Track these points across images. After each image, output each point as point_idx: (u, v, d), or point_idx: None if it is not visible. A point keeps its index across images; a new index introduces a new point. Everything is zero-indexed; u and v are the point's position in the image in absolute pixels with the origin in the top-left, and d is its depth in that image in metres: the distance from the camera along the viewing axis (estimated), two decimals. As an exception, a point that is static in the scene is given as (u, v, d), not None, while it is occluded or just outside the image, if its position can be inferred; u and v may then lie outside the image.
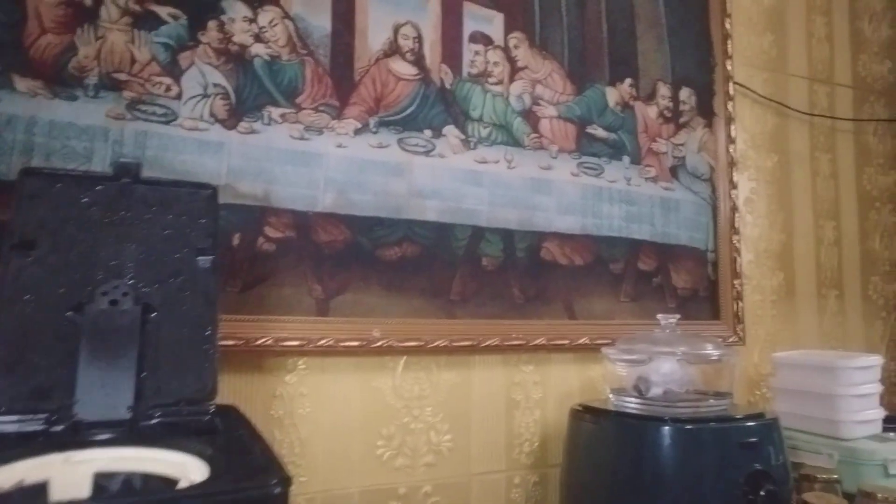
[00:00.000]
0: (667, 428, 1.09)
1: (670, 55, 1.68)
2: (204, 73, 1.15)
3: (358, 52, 1.29)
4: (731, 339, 1.66)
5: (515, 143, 1.43)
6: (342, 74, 1.27)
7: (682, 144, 1.67)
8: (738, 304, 1.69)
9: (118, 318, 0.75)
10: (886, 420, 1.44)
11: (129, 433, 0.70)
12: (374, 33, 1.30)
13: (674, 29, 1.69)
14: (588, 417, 1.23)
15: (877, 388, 1.43)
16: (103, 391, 0.72)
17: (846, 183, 2.02)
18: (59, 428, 0.70)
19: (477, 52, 1.41)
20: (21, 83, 1.03)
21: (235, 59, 1.18)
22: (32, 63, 1.04)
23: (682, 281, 1.63)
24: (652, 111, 1.63)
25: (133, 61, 1.11)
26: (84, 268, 0.77)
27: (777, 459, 1.11)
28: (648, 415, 1.16)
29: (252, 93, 1.19)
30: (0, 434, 0.70)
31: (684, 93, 1.69)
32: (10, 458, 0.64)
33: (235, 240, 1.14)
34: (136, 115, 1.10)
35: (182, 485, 0.64)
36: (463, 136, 1.37)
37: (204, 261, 0.85)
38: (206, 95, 1.15)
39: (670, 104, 1.66)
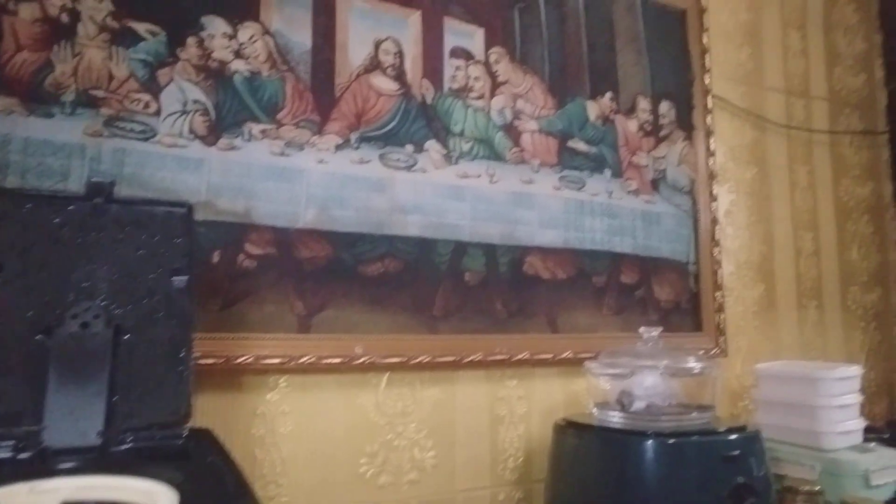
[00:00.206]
0: (650, 442, 1.09)
1: (650, 69, 1.70)
2: (183, 90, 1.15)
3: (339, 68, 1.29)
4: (713, 351, 1.67)
5: (497, 157, 1.44)
6: (323, 90, 1.26)
7: (662, 157, 1.69)
8: (719, 315, 1.70)
9: (88, 340, 0.74)
10: (867, 430, 1.45)
11: (99, 460, 0.69)
12: (354, 49, 1.30)
13: (652, 43, 1.71)
14: (572, 432, 1.23)
15: (857, 398, 1.44)
16: (72, 416, 0.71)
17: (824, 194, 2.06)
18: (26, 455, 0.68)
19: (458, 67, 1.42)
20: (-5, 101, 1.01)
21: (215, 75, 1.17)
22: (8, 80, 1.02)
23: (665, 293, 1.64)
24: (632, 125, 1.65)
25: (111, 78, 1.10)
26: (54, 290, 0.75)
27: (759, 471, 1.11)
28: (632, 429, 1.16)
29: (232, 109, 1.18)
30: (-35, 463, 0.68)
31: (664, 106, 1.71)
32: (-26, 488, 0.62)
33: (216, 257, 1.13)
34: (114, 132, 1.09)
35: (150, 514, 0.62)
36: (445, 151, 1.37)
37: (179, 281, 0.83)
38: (185, 112, 1.14)
39: (650, 117, 1.68)
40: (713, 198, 1.74)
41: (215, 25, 1.18)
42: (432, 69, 1.39)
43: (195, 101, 1.15)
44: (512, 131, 1.47)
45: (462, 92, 1.42)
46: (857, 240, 2.10)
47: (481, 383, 1.38)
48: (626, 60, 1.66)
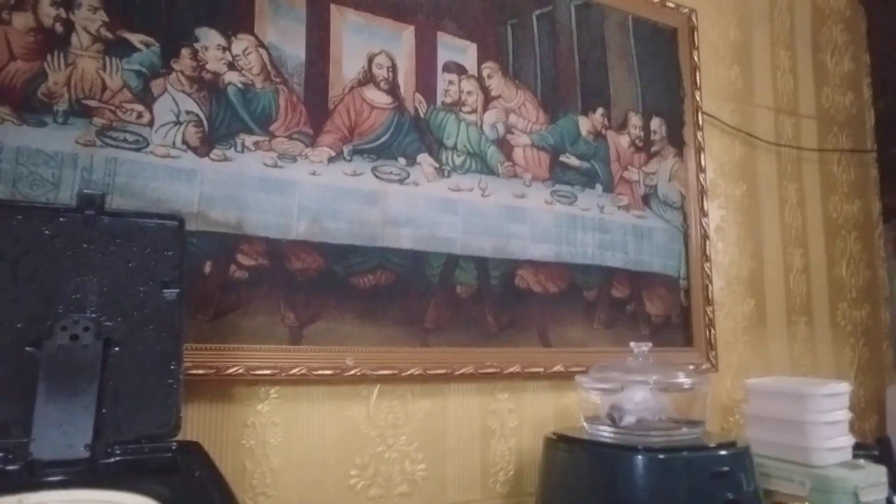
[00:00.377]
0: (640, 457, 1.09)
1: (641, 86, 1.72)
2: (176, 101, 1.15)
3: (332, 81, 1.29)
4: (703, 366, 1.67)
5: (489, 171, 1.45)
6: (316, 103, 1.27)
7: (653, 173, 1.70)
8: (710, 330, 1.71)
9: (78, 353, 0.73)
10: (856, 447, 1.46)
11: (87, 473, 0.68)
12: (348, 62, 1.31)
13: (644, 61, 1.73)
14: (562, 446, 1.22)
15: (846, 414, 1.45)
16: (61, 429, 0.70)
17: (813, 211, 2.08)
18: (13, 467, 0.67)
19: (451, 82, 1.43)
20: (-13, 110, 1.01)
21: (209, 86, 1.18)
22: (0, 89, 1.02)
23: (656, 308, 1.64)
24: (624, 140, 1.66)
25: (104, 88, 1.10)
26: (44, 301, 0.75)
27: (749, 487, 1.11)
28: (622, 444, 1.16)
29: (225, 120, 1.19)
30: (-49, 475, 0.68)
31: (655, 122, 1.73)
32: (-40, 500, 0.61)
33: (207, 267, 1.13)
34: (107, 142, 1.09)
35: (138, 528, 0.62)
36: (437, 165, 1.38)
37: (169, 293, 0.83)
38: (178, 122, 1.15)
39: (641, 133, 1.70)
40: (704, 213, 1.76)
41: (209, 37, 1.19)
42: (425, 83, 1.40)
43: (188, 112, 1.15)
44: (504, 145, 1.48)
45: (455, 106, 1.43)
46: (846, 257, 2.12)
47: (472, 396, 1.38)
48: (617, 77, 1.68)
